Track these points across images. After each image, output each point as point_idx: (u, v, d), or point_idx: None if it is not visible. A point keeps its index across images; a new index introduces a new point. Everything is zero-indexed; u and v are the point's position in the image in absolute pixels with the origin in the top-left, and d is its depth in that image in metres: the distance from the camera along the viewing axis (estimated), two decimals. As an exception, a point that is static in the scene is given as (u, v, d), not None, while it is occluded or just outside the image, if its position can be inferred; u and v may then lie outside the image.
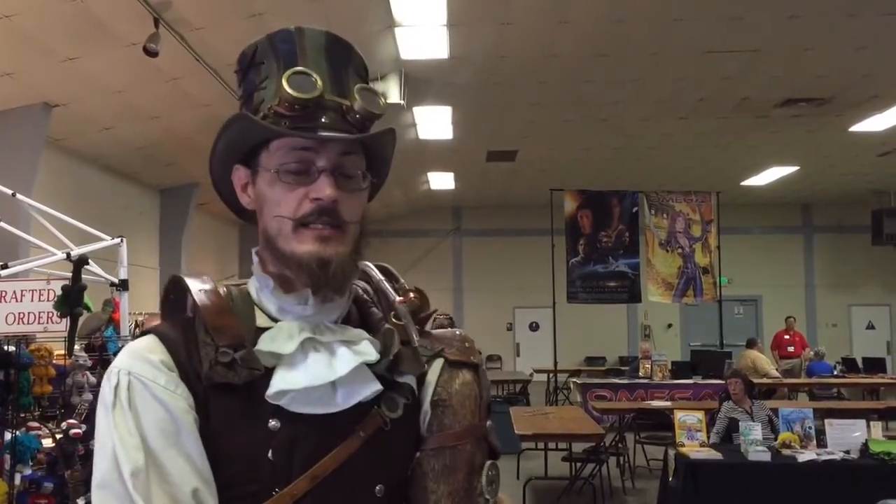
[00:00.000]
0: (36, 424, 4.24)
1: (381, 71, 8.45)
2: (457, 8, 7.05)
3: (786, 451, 6.07)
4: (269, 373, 1.07)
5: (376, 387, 1.10)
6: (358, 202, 1.14)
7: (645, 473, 8.60)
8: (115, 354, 4.88)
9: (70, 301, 4.16)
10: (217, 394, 1.05)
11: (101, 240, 5.21)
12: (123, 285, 5.04)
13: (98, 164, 9.83)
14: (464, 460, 1.12)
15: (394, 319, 1.17)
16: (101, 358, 4.72)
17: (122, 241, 5.16)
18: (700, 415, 6.62)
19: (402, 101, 8.66)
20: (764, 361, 12.58)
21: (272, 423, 1.05)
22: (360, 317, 1.19)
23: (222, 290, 1.15)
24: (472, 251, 18.96)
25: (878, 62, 8.45)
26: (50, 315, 4.70)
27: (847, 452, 5.99)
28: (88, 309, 4.65)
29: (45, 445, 4.11)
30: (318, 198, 1.08)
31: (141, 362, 1.06)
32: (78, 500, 4.23)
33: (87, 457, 4.26)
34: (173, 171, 11.03)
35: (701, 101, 9.91)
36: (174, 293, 1.18)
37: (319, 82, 1.09)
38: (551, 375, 13.29)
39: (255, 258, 1.17)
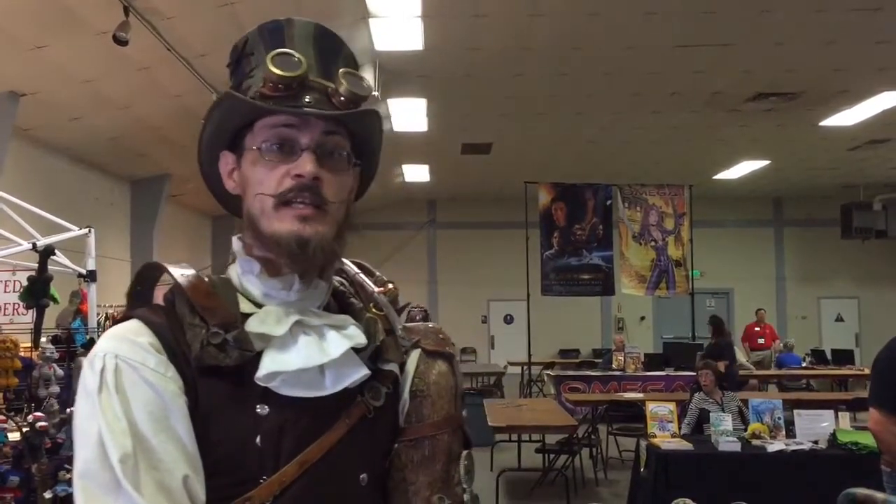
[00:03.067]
0: (1, 417, 4.19)
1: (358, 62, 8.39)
2: (431, -1, 7.03)
3: (755, 442, 6.14)
4: (257, 357, 1.05)
5: (364, 371, 1.09)
6: (341, 183, 1.12)
7: (617, 464, 8.67)
8: (82, 346, 4.82)
9: (36, 292, 4.10)
10: (206, 377, 1.03)
11: (69, 230, 5.13)
12: (91, 276, 4.98)
13: (67, 154, 9.69)
14: (442, 450, 1.13)
15: (374, 310, 1.17)
16: (69, 350, 4.66)
17: (89, 231, 5.08)
18: (671, 406, 6.68)
19: (376, 93, 8.62)
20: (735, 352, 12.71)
21: (260, 408, 1.04)
22: (341, 308, 1.17)
23: (203, 276, 1.13)
24: (447, 244, 18.96)
25: (847, 57, 8.54)
26: (16, 306, 4.64)
27: (815, 443, 6.07)
28: (55, 300, 4.59)
29: (10, 439, 4.05)
30: (300, 174, 1.07)
31: (128, 344, 1.03)
32: (45, 494, 4.18)
33: (54, 450, 4.21)
34: (144, 162, 10.89)
35: (673, 94, 9.97)
36: (147, 280, 1.16)
37: (304, 62, 1.09)
38: (525, 368, 13.35)
39: (236, 244, 1.16)
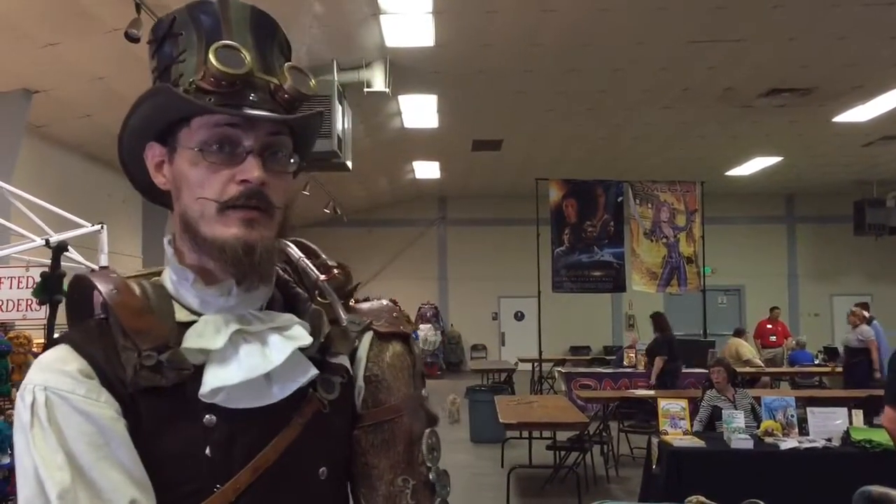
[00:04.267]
0: (15, 413, 4.20)
1: (367, 59, 8.40)
2: (442, -5, 7.02)
3: (768, 439, 6.11)
4: (199, 370, 1.01)
5: (312, 372, 1.06)
6: (285, 185, 1.08)
7: (629, 462, 8.64)
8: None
9: (49, 288, 4.11)
10: (145, 397, 1.00)
11: (81, 227, 5.15)
12: (104, 273, 4.99)
13: (79, 151, 9.73)
14: (402, 432, 1.11)
15: (319, 298, 1.13)
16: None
17: (102, 227, 5.10)
18: (683, 403, 6.65)
19: (387, 90, 8.62)
20: (746, 349, 12.68)
21: (207, 418, 1.01)
22: (285, 299, 1.14)
23: (135, 287, 1.07)
24: (458, 240, 18.95)
25: (861, 52, 8.48)
26: (29, 302, 4.66)
27: (829, 440, 6.04)
28: (68, 296, 4.60)
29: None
30: (246, 179, 1.01)
31: (55, 374, 0.98)
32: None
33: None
34: (156, 159, 10.94)
35: (685, 90, 9.92)
36: (77, 293, 1.11)
37: (248, 58, 1.03)
38: (536, 364, 13.32)
39: (168, 249, 1.11)
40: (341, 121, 7.65)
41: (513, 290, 17.79)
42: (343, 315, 1.12)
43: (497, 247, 18.14)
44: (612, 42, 8.22)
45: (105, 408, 0.98)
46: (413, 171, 15.46)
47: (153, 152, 1.11)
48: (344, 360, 1.11)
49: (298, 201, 12.95)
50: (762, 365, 12.76)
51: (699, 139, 12.65)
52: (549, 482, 7.68)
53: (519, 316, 18.85)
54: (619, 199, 11.75)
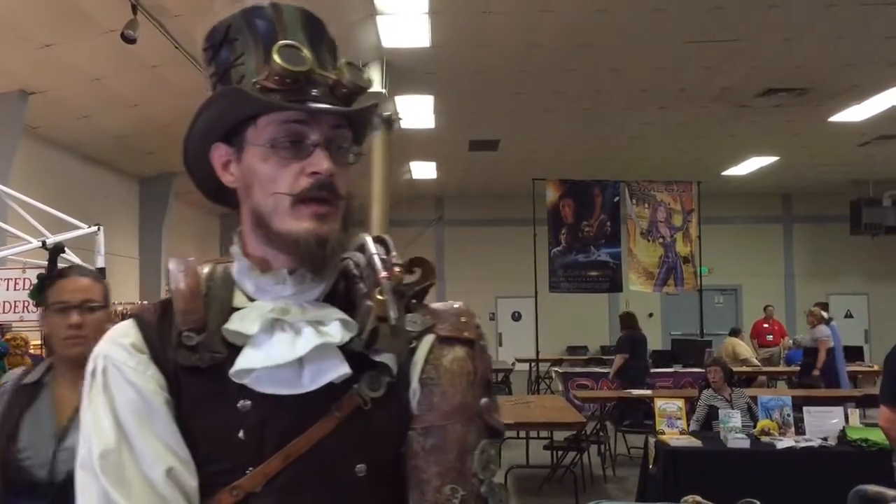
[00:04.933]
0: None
1: (363, 59, 8.39)
2: (438, -4, 7.02)
3: (765, 439, 6.12)
4: (237, 353, 1.07)
5: (344, 370, 1.08)
6: (348, 176, 1.13)
7: (626, 461, 8.65)
8: (92, 343, 4.84)
9: (45, 290, 4.11)
10: (187, 375, 1.08)
11: (78, 228, 5.15)
12: (101, 274, 4.98)
13: (76, 152, 9.72)
14: (454, 440, 1.09)
15: (377, 295, 1.13)
16: (79, 347, 4.67)
17: (98, 229, 5.10)
18: (680, 403, 6.66)
19: (383, 90, 8.62)
20: (743, 348, 12.71)
21: (242, 403, 1.06)
22: (347, 293, 1.16)
23: (205, 271, 1.16)
24: (455, 241, 18.95)
25: (857, 52, 8.50)
26: (26, 304, 4.65)
27: (825, 440, 6.05)
28: (65, 298, 4.60)
29: (21, 435, 4.06)
30: (316, 171, 1.07)
31: (114, 346, 1.09)
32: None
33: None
34: (153, 160, 10.92)
35: (682, 90, 9.93)
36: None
37: (309, 56, 1.09)
38: (533, 365, 13.33)
39: (235, 239, 1.16)
40: (338, 121, 7.63)
41: (510, 290, 17.79)
42: (394, 314, 1.10)
43: (494, 247, 18.15)
44: (610, 42, 8.23)
45: (150, 381, 1.07)
46: (410, 171, 15.46)
47: (219, 153, 1.15)
48: (387, 359, 1.11)
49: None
50: (759, 364, 12.79)
51: (696, 139, 12.66)
52: (546, 482, 7.69)
53: (516, 316, 18.85)
54: (616, 199, 11.76)
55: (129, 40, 6.28)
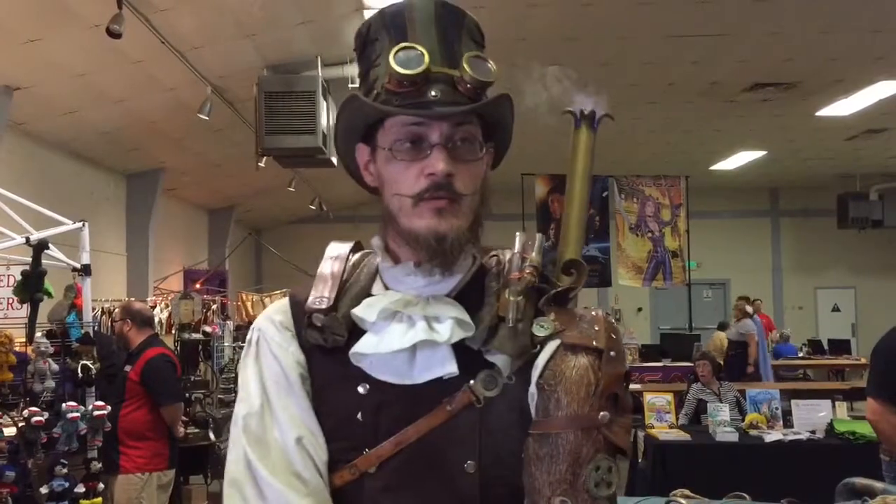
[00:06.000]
0: (-3, 412, 4.17)
1: (351, 54, 8.34)
2: (426, -10, 6.99)
3: (753, 432, 6.15)
4: (360, 337, 1.16)
5: (451, 369, 1.11)
6: (473, 173, 1.17)
7: (615, 456, 8.67)
8: (77, 341, 4.80)
9: (30, 286, 4.08)
10: (319, 354, 1.19)
11: (63, 224, 5.10)
12: (86, 270, 4.94)
13: (61, 148, 9.64)
14: (566, 451, 1.04)
15: (507, 296, 1.15)
16: (64, 345, 4.64)
17: (83, 225, 5.06)
18: (669, 397, 6.68)
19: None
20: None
21: (362, 387, 1.14)
22: (483, 288, 1.19)
23: (354, 258, 1.26)
24: (444, 236, 18.94)
25: (844, 46, 8.51)
26: (10, 301, 4.62)
27: (813, 432, 6.09)
28: (49, 294, 4.56)
29: (6, 434, 4.04)
30: (432, 173, 1.11)
31: (267, 321, 1.23)
32: (41, 489, 4.17)
33: (50, 445, 4.19)
34: (139, 156, 10.84)
35: (670, 85, 9.94)
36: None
37: (426, 56, 1.11)
38: (522, 360, 13.33)
39: (379, 231, 1.25)
40: (326, 117, 7.60)
41: (499, 285, 17.80)
42: (511, 315, 1.11)
43: (483, 243, 18.07)
44: (597, 37, 8.22)
45: (290, 356, 1.19)
46: (399, 166, 15.44)
47: (361, 153, 1.24)
48: (500, 360, 1.11)
49: (285, 198, 12.75)
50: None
51: (684, 134, 12.67)
52: (535, 477, 7.70)
53: (505, 311, 18.88)
54: (605, 193, 11.77)
55: (114, 35, 6.22)
